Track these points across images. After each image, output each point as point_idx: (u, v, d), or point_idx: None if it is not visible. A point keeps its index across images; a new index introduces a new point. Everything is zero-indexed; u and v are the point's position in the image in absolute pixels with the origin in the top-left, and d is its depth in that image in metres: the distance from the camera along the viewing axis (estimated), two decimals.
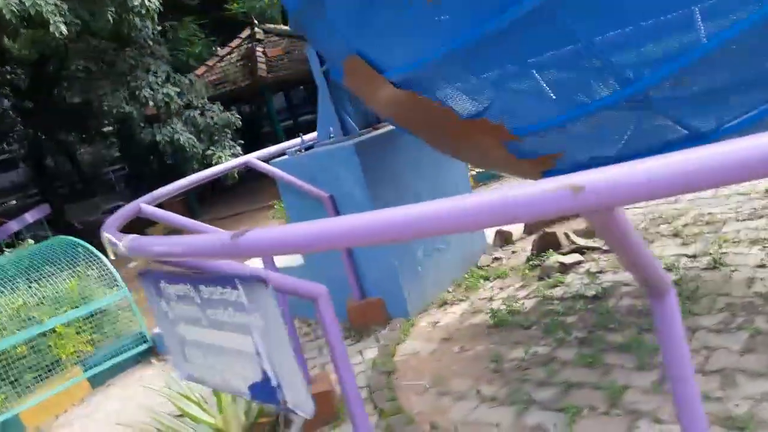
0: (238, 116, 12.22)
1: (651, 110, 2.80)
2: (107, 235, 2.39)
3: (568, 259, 5.20)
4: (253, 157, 5.68)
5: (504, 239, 6.29)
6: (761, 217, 4.86)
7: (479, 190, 8.65)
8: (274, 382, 2.01)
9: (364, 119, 5.65)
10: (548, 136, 3.12)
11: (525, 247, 6.02)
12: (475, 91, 3.05)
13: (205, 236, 1.89)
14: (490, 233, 6.30)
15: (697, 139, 2.94)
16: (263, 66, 16.47)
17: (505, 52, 2.84)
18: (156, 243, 2.12)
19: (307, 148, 5.76)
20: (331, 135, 5.78)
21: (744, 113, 2.70)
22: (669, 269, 4.50)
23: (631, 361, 3.58)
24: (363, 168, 5.05)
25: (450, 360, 4.35)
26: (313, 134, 5.97)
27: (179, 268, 2.30)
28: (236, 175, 11.30)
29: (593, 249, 5.34)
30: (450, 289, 5.57)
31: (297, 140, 5.85)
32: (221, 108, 12.26)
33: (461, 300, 5.30)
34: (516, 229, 6.40)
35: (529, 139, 3.11)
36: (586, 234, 5.60)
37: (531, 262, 5.48)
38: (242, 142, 12.35)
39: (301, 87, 22.25)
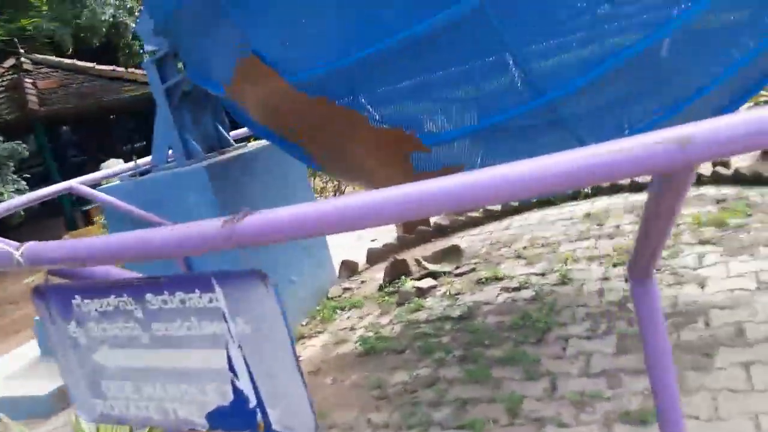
0: (25, 146, 10.77)
1: (558, 124, 2.95)
2: (6, 248, 1.87)
3: (424, 283, 5.26)
4: (76, 182, 4.99)
5: (350, 270, 6.21)
6: (588, 238, 5.36)
7: None
8: (251, 403, 1.69)
9: (206, 142, 5.27)
10: (456, 146, 3.14)
11: (372, 276, 6.00)
12: (391, 99, 2.97)
13: (180, 227, 1.56)
14: (336, 265, 6.18)
15: None
16: (34, 99, 14.95)
17: (426, 60, 2.82)
18: (93, 245, 1.71)
19: (142, 173, 5.22)
20: (170, 159, 5.31)
21: (639, 122, 2.95)
22: (523, 287, 4.75)
23: (517, 373, 3.67)
24: (215, 192, 4.68)
25: (325, 393, 4.11)
26: (147, 159, 5.43)
27: (104, 281, 1.87)
28: (22, 212, 9.90)
29: (445, 273, 5.47)
30: (304, 323, 5.33)
31: (129, 165, 5.27)
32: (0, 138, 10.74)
33: (319, 332, 5.09)
34: (359, 260, 6.38)
35: (436, 149, 3.11)
36: (435, 259, 5.74)
37: (386, 290, 5.46)
38: (29, 176, 10.90)
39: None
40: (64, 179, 5.55)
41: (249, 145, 5.60)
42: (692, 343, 3.45)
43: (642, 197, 5.83)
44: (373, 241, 7.38)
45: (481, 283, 5.07)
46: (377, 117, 2.97)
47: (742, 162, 5.92)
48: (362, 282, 5.96)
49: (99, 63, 15.91)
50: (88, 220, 16.20)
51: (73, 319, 1.89)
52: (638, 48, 2.67)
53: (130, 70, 16.31)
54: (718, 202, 5.27)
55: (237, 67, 3.11)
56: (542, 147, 3.15)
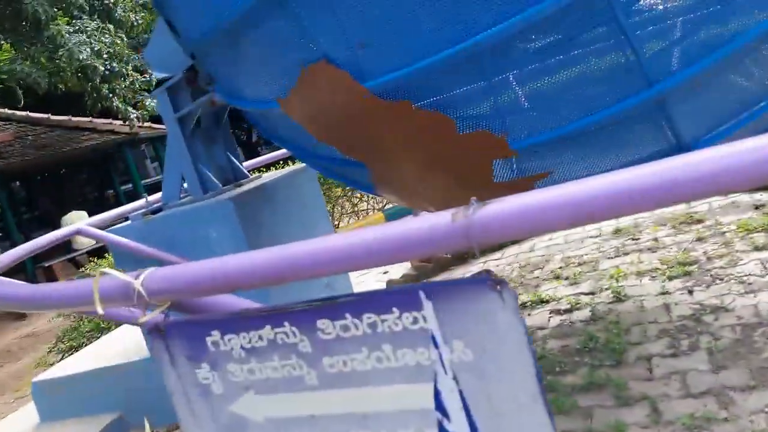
0: None
1: (658, 120, 2.71)
2: (123, 278, 1.49)
3: None
4: (85, 224, 4.54)
5: None
6: (627, 253, 5.14)
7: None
8: None
9: (220, 175, 4.90)
10: (546, 150, 2.88)
11: None
12: (479, 100, 2.70)
13: (387, 228, 1.23)
14: None
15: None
16: None
17: (520, 52, 2.57)
18: (244, 263, 1.37)
19: (153, 212, 4.80)
20: (184, 194, 4.91)
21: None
22: (575, 308, 4.48)
23: (607, 399, 3.36)
24: (244, 227, 4.30)
25: None
26: (157, 196, 5.01)
27: (253, 310, 1.51)
28: None
29: None
30: None
31: (140, 202, 4.85)
32: None
33: None
34: None
35: (524, 154, 2.84)
36: None
37: None
38: None
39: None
40: (25, 235, 5.10)
41: (264, 175, 5.25)
42: None
43: (668, 209, 5.68)
44: (385, 273, 7.04)
45: (526, 307, 4.77)
46: (465, 120, 2.69)
47: None
48: None
49: (60, 109, 15.33)
50: (49, 277, 15.38)
51: (206, 361, 1.52)
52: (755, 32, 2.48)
53: (89, 119, 15.75)
54: (757, 207, 5.13)
55: (301, 76, 2.79)
56: (634, 145, 2.93)
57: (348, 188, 9.56)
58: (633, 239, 5.39)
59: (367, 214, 9.63)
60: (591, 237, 5.82)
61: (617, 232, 5.66)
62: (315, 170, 4.78)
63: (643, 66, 2.45)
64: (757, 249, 4.40)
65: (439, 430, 1.34)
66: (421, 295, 1.27)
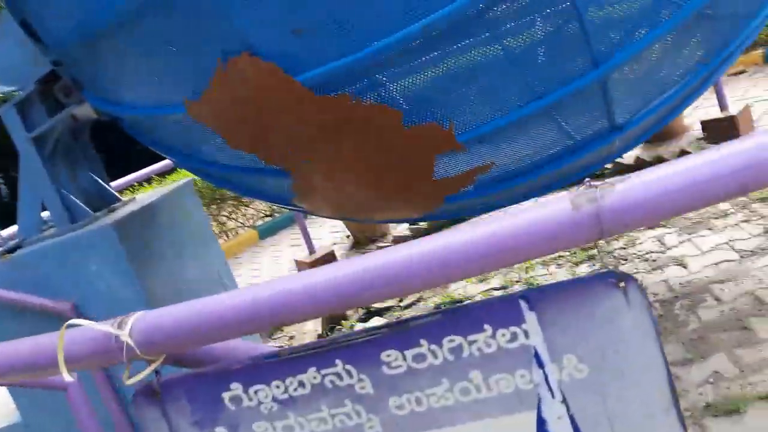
0: None
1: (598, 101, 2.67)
2: (101, 328, 1.09)
3: (374, 322, 4.71)
4: None
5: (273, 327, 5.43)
6: None
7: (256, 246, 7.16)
8: None
9: (88, 199, 4.27)
10: (492, 140, 2.74)
11: (298, 329, 5.29)
12: (420, 89, 2.49)
13: (487, 225, 0.99)
14: None
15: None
16: None
17: (470, 34, 2.40)
18: (261, 297, 1.06)
19: (9, 251, 4.07)
20: (48, 224, 4.24)
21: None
22: None
23: None
24: (129, 257, 3.75)
25: None
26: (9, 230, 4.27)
27: (284, 351, 1.17)
28: None
29: (390, 308, 4.97)
30: None
31: None
32: None
33: None
34: None
35: (471, 147, 2.68)
36: None
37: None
38: None
39: None
40: None
41: (137, 197, 4.67)
42: (717, 321, 3.34)
43: None
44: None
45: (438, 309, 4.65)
46: (410, 113, 2.47)
47: (631, 152, 6.19)
48: (291, 338, 5.23)
49: None
50: None
51: (223, 424, 1.17)
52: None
53: None
54: None
55: (218, 73, 2.42)
56: (573, 129, 2.88)
57: (214, 207, 8.98)
58: None
59: (237, 233, 9.09)
60: None
61: None
62: (204, 183, 4.33)
63: (591, 45, 2.37)
64: (649, 228, 4.60)
65: None
66: (522, 305, 1.04)
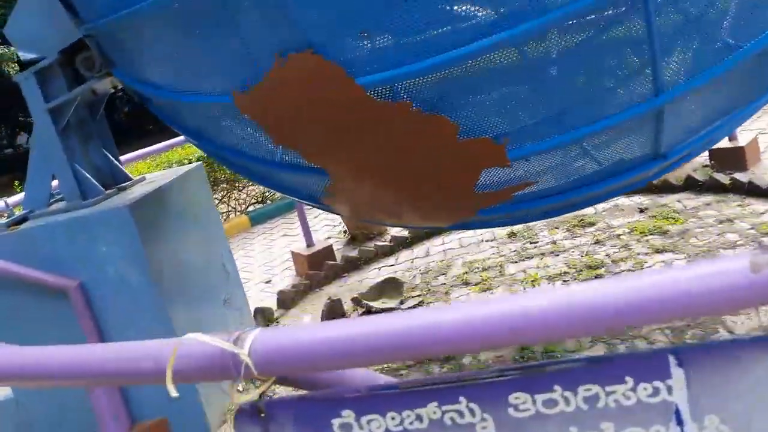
0: None
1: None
2: (218, 344, 1.04)
3: None
4: None
5: (266, 318, 5.37)
6: (530, 257, 5.20)
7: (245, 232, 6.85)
8: None
9: (99, 176, 4.16)
10: (533, 160, 2.72)
11: (297, 318, 5.24)
12: (481, 104, 2.45)
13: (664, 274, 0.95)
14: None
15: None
16: None
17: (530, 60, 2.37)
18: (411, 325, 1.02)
19: (17, 222, 3.94)
20: (55, 197, 4.12)
21: None
22: None
23: None
24: (142, 239, 3.65)
25: None
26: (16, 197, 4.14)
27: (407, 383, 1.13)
28: None
29: (391, 309, 4.93)
30: (243, 386, 4.42)
31: None
32: None
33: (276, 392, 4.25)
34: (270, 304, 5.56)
35: (516, 164, 2.65)
36: (373, 295, 5.16)
37: None
38: None
39: None
40: None
41: (147, 177, 4.57)
42: None
43: None
44: (267, 282, 6.56)
45: None
46: (466, 127, 2.43)
47: None
48: None
49: None
50: None
51: None
52: None
53: None
54: (641, 211, 5.43)
55: (275, 68, 2.36)
56: (621, 155, 2.86)
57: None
58: (531, 242, 5.48)
59: (228, 218, 8.96)
60: (487, 241, 5.83)
61: (512, 235, 5.72)
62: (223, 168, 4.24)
63: (656, 73, 2.36)
64: (657, 251, 4.63)
65: None
66: (671, 360, 1.01)
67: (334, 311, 4.97)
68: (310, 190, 3.16)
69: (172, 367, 1.06)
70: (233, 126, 3.01)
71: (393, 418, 1.11)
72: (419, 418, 1.10)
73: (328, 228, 7.90)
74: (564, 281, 4.63)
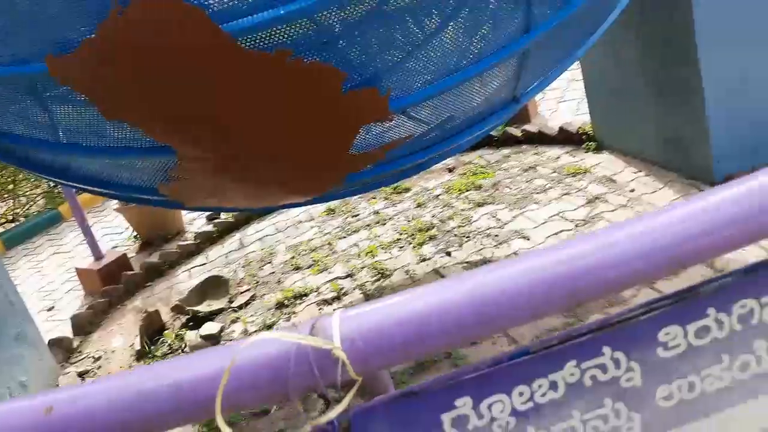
0: None
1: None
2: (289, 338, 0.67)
3: (210, 329, 4.17)
4: None
5: (65, 349, 4.52)
6: (356, 230, 5.05)
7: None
8: None
9: None
10: (410, 113, 2.53)
11: (105, 347, 4.49)
12: (360, 48, 2.18)
13: None
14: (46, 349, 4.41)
15: None
16: None
17: None
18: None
19: None
20: None
21: None
22: (344, 294, 4.20)
23: None
24: None
25: None
26: None
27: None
28: None
29: (221, 311, 4.45)
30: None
31: None
32: None
33: None
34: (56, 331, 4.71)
35: (397, 118, 2.45)
36: (195, 299, 4.61)
37: (155, 353, 4.13)
38: None
39: None
40: None
41: None
42: None
43: None
44: (49, 310, 5.58)
45: (283, 306, 4.28)
46: (352, 77, 2.16)
47: None
48: (97, 359, 4.40)
49: None
50: None
51: None
52: None
53: None
54: (450, 170, 5.57)
55: (111, 18, 1.84)
56: (486, 102, 2.79)
57: None
58: (353, 216, 5.33)
59: None
60: (304, 222, 5.56)
61: (331, 212, 5.53)
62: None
63: (531, 8, 2.30)
64: (479, 205, 4.76)
65: None
66: None
67: (153, 324, 4.34)
68: (144, 179, 2.64)
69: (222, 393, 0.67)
70: (31, 106, 2.37)
71: (521, 394, 0.83)
72: (553, 385, 0.84)
73: (109, 237, 7.01)
74: (401, 248, 4.56)
